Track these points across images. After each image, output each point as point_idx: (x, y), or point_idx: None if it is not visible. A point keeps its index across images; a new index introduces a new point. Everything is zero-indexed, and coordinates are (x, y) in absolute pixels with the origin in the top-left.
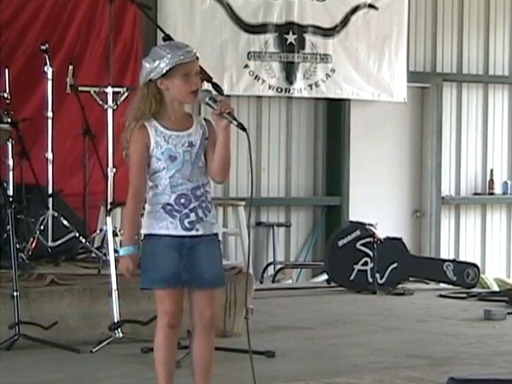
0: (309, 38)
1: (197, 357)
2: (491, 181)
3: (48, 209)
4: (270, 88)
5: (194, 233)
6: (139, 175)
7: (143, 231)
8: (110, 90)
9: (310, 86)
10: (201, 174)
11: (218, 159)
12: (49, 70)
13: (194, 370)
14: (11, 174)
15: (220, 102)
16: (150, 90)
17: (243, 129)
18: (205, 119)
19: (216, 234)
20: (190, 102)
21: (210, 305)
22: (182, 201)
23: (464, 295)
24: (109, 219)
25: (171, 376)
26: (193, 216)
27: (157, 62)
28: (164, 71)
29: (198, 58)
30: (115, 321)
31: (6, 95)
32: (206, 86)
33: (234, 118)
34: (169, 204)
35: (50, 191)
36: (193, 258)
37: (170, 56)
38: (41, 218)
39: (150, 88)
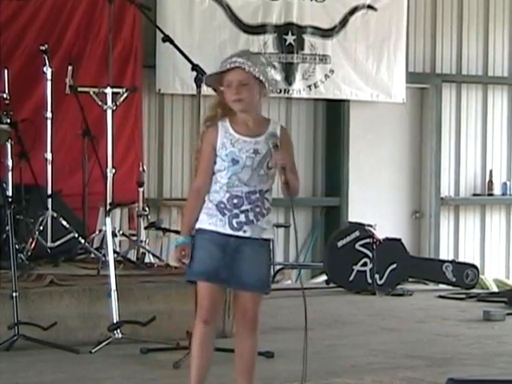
0: (308, 38)
1: (239, 356)
2: (490, 182)
3: (47, 209)
4: (270, 91)
5: (240, 234)
6: (203, 174)
7: (197, 225)
8: (109, 90)
9: (309, 86)
10: (261, 181)
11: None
12: (48, 71)
13: (237, 369)
14: (10, 174)
15: (277, 153)
16: (218, 98)
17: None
18: (281, 127)
19: (266, 240)
20: (238, 111)
21: (252, 307)
22: (235, 201)
23: (463, 296)
24: (108, 220)
25: (203, 371)
26: (242, 217)
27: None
28: (212, 75)
29: (240, 68)
30: (114, 321)
31: (5, 96)
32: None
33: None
34: (222, 202)
35: (50, 192)
36: (235, 258)
37: (221, 64)
38: (40, 219)
39: (218, 96)
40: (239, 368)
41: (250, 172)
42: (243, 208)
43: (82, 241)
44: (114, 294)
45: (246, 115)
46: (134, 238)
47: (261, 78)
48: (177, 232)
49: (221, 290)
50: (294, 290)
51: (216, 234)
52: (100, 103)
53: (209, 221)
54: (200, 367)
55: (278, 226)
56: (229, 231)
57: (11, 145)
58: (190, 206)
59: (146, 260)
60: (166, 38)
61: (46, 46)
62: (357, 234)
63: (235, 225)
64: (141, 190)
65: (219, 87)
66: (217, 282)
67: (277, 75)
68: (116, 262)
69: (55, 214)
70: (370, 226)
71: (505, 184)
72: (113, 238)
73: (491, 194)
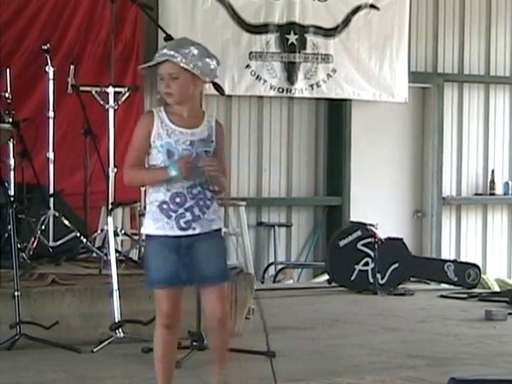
0: (310, 38)
1: (212, 351)
2: (492, 181)
3: (49, 208)
4: (271, 88)
5: (190, 232)
6: (134, 160)
7: (143, 231)
8: (111, 89)
9: (311, 86)
10: (200, 173)
11: None
12: (50, 70)
13: (212, 359)
14: (12, 173)
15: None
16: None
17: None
18: (216, 121)
19: (217, 230)
20: (170, 103)
21: (220, 303)
22: (178, 200)
23: (465, 296)
24: (110, 219)
25: (169, 375)
26: (188, 215)
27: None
28: (146, 67)
29: (169, 61)
30: (116, 321)
31: (7, 95)
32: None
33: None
34: (164, 202)
35: (51, 191)
36: (191, 256)
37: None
38: (42, 218)
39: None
40: (214, 358)
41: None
42: (187, 205)
43: (84, 240)
44: (115, 294)
45: (180, 107)
46: (136, 238)
47: (192, 70)
48: None
49: (179, 292)
50: (296, 289)
51: (165, 237)
52: (102, 102)
53: (155, 225)
54: (166, 371)
55: (279, 225)
56: (178, 232)
57: (13, 144)
58: (136, 171)
59: None
60: (168, 38)
61: (48, 45)
62: (358, 233)
63: (183, 225)
64: (142, 189)
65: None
66: (179, 285)
67: (212, 63)
68: (118, 261)
69: (57, 214)
70: (372, 225)
71: (507, 184)
72: (114, 237)
73: (493, 194)
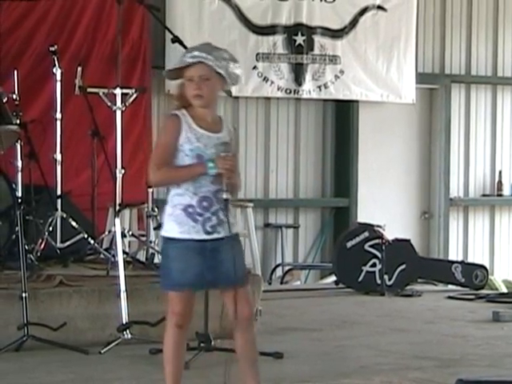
0: (317, 39)
1: (240, 353)
2: (500, 182)
3: (56, 210)
4: (278, 89)
5: (215, 236)
6: (165, 163)
7: (164, 234)
8: (118, 91)
9: (319, 87)
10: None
11: None
12: (57, 72)
13: (240, 364)
14: (20, 175)
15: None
16: (179, 89)
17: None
18: (232, 126)
19: (237, 234)
20: (197, 106)
21: (247, 304)
22: (205, 204)
23: (472, 297)
24: (117, 220)
25: (179, 375)
26: (214, 219)
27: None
28: (172, 70)
29: (203, 63)
30: (124, 322)
31: (14, 96)
32: None
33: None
34: (190, 206)
35: (59, 192)
36: (216, 259)
37: (181, 58)
38: (49, 219)
39: (179, 88)
40: (245, 364)
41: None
42: (213, 209)
43: (92, 241)
44: (123, 295)
45: (204, 110)
46: (143, 239)
47: (222, 73)
48: None
49: (193, 294)
50: (303, 290)
51: (191, 241)
52: (109, 104)
53: (180, 229)
54: (175, 371)
55: (286, 226)
56: (204, 236)
57: (20, 145)
58: (165, 171)
59: (156, 260)
60: (175, 39)
61: (55, 46)
62: (366, 234)
63: (209, 229)
64: (150, 190)
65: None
66: (203, 288)
67: (238, 70)
68: (125, 262)
69: (64, 215)
70: (379, 226)
71: None
72: (122, 238)
73: (500, 195)
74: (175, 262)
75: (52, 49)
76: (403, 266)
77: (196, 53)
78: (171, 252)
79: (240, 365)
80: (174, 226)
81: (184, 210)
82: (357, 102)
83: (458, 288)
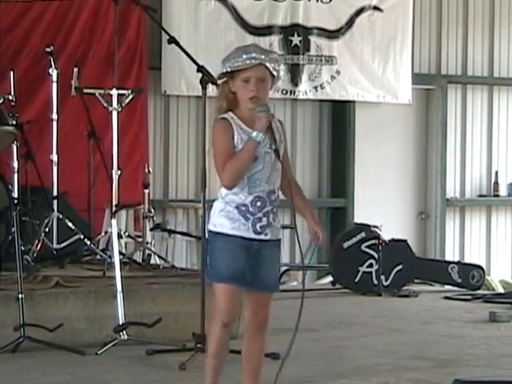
0: (314, 39)
1: (247, 357)
2: (496, 183)
3: (53, 211)
4: (275, 90)
5: (263, 237)
6: None
7: (213, 228)
8: (114, 92)
9: (315, 87)
10: (277, 177)
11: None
12: (53, 72)
13: (244, 370)
14: (16, 176)
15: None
16: (224, 90)
17: (275, 150)
18: (279, 121)
19: (280, 240)
20: (249, 108)
21: (266, 306)
22: (259, 204)
23: (469, 297)
24: (114, 221)
25: (219, 372)
26: (265, 220)
27: (225, 64)
28: (225, 72)
29: (262, 65)
30: (120, 323)
31: (10, 97)
32: (211, 89)
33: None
34: (244, 205)
35: (55, 193)
36: (258, 260)
37: (234, 59)
38: (46, 220)
39: (224, 87)
40: (247, 369)
41: (269, 169)
42: (265, 210)
43: (88, 242)
44: (119, 296)
45: (251, 111)
46: (140, 240)
47: (276, 74)
48: (182, 234)
49: (240, 292)
50: (300, 291)
51: (240, 238)
52: (105, 104)
53: (231, 225)
54: (217, 368)
55: (284, 227)
56: (252, 235)
57: (17, 146)
58: (230, 164)
59: (152, 261)
60: (172, 40)
61: (52, 47)
62: (363, 235)
63: (258, 229)
64: (146, 191)
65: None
66: (242, 285)
67: (282, 71)
68: (122, 263)
69: (61, 216)
70: (376, 227)
71: (510, 185)
72: (118, 239)
73: (497, 195)
74: (222, 254)
75: (48, 49)
76: (400, 267)
77: (254, 54)
78: (219, 245)
79: (244, 369)
80: (226, 221)
81: (237, 208)
82: (353, 102)
83: (455, 288)
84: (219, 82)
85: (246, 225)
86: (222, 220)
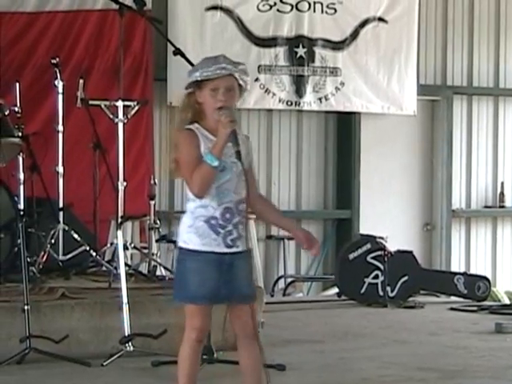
0: (318, 51)
1: (245, 369)
2: (502, 194)
3: (59, 222)
4: (280, 101)
5: (234, 250)
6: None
7: (184, 245)
8: (120, 103)
9: (320, 99)
10: (243, 187)
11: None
12: (59, 84)
13: (245, 380)
14: (22, 187)
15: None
16: (189, 100)
17: (237, 152)
18: (245, 135)
19: (251, 249)
20: (217, 118)
21: (251, 317)
22: (228, 215)
23: (475, 308)
24: (119, 233)
25: None
26: (235, 233)
27: (193, 74)
28: (193, 82)
29: (231, 75)
30: (126, 334)
31: (16, 109)
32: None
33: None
34: (213, 217)
35: (61, 205)
36: (232, 273)
37: (202, 69)
38: (51, 232)
39: (189, 98)
40: (249, 379)
41: (236, 179)
42: (235, 221)
43: (94, 254)
44: (125, 307)
45: (218, 122)
46: (146, 251)
47: (243, 85)
48: None
49: (210, 308)
50: (305, 302)
51: (211, 253)
52: (111, 116)
53: (201, 241)
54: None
55: (289, 238)
56: (224, 249)
57: (22, 158)
58: (195, 174)
59: (158, 273)
60: (177, 51)
61: (57, 59)
62: (368, 246)
63: (230, 242)
64: (152, 202)
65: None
66: (217, 302)
67: (249, 82)
68: (127, 274)
69: (66, 227)
70: (382, 238)
71: None
72: (124, 250)
73: (503, 206)
74: (193, 274)
75: (54, 61)
76: (405, 278)
77: (224, 64)
78: (189, 264)
79: (244, 379)
80: (195, 237)
81: (206, 222)
82: (358, 113)
83: (461, 299)
84: (186, 91)
85: (217, 240)
86: (191, 236)
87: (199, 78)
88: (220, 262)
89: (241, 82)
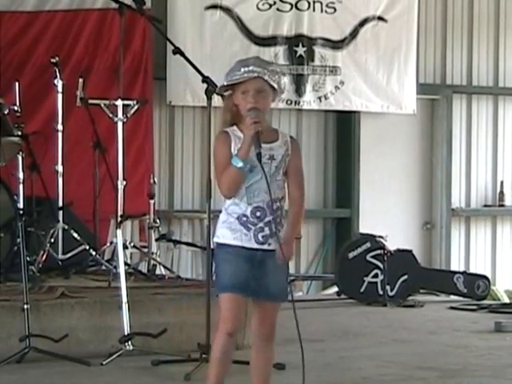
0: (318, 50)
1: (255, 368)
2: (501, 192)
3: (58, 221)
4: (280, 100)
5: (266, 247)
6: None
7: (217, 240)
8: (120, 102)
9: (319, 98)
10: (278, 187)
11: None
12: (59, 83)
13: (251, 379)
14: (21, 186)
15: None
16: (228, 103)
17: (258, 154)
18: (291, 137)
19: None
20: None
21: (272, 315)
22: (258, 214)
23: (474, 307)
24: (119, 232)
25: (222, 380)
26: (267, 230)
27: (225, 77)
28: (225, 86)
29: (260, 77)
30: (125, 333)
31: (16, 108)
32: (216, 99)
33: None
34: (244, 215)
35: (60, 204)
36: (262, 270)
37: (232, 72)
38: (51, 231)
39: (228, 100)
40: (256, 381)
41: (268, 179)
42: (266, 220)
43: (93, 253)
44: (125, 306)
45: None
46: (145, 250)
47: (276, 86)
48: (188, 244)
49: (245, 302)
50: (305, 301)
51: (242, 248)
52: (110, 115)
53: (233, 236)
54: (219, 377)
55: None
56: (255, 246)
57: (22, 157)
58: (223, 176)
59: (157, 272)
60: (177, 51)
61: (57, 58)
62: (368, 245)
63: (261, 239)
64: (152, 201)
65: (225, 93)
66: (247, 294)
67: (284, 82)
68: (127, 274)
69: (66, 227)
70: (381, 237)
71: None
72: (124, 250)
73: (502, 205)
74: (225, 265)
75: (53, 60)
76: (405, 277)
77: (252, 67)
78: (222, 256)
79: (252, 380)
80: (227, 232)
81: (238, 219)
82: (358, 112)
83: (460, 298)
84: (225, 94)
85: (248, 235)
86: (224, 231)
87: (226, 83)
88: (251, 257)
89: (272, 83)
